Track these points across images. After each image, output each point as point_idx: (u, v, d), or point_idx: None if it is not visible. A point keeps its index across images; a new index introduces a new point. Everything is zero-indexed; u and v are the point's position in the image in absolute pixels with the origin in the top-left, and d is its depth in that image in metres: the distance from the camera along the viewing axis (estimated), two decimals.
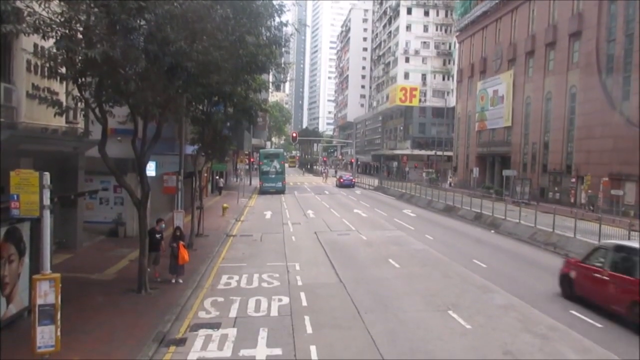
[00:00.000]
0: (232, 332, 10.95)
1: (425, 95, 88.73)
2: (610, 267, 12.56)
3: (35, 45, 12.54)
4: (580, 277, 13.66)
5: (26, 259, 10.72)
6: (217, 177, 46.14)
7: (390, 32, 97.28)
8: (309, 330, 11.26)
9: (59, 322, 7.97)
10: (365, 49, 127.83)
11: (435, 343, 10.58)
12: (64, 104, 13.07)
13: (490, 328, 11.55)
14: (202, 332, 10.97)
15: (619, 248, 12.79)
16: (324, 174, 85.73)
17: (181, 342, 10.47)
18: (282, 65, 19.54)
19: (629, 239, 17.26)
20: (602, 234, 19.40)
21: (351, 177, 67.04)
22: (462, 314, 12.36)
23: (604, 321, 12.08)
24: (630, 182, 33.82)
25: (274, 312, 12.47)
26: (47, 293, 7.87)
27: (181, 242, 14.94)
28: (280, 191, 50.14)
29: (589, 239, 20.08)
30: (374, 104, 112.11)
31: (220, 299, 13.47)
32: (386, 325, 11.60)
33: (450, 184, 63.20)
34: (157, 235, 15.00)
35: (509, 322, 11.97)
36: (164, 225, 15.47)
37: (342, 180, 64.07)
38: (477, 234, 26.32)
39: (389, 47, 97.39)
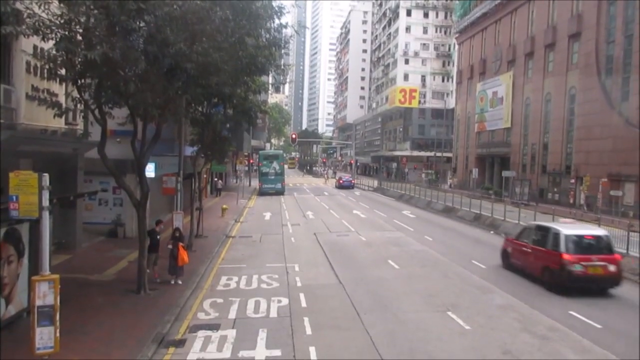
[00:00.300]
0: (231, 334, 10.95)
1: (424, 96, 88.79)
2: (531, 242, 16.48)
3: (35, 47, 12.58)
4: (513, 251, 17.66)
5: (25, 260, 10.72)
6: (216, 179, 46.13)
7: (389, 33, 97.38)
8: (308, 331, 11.26)
9: (58, 323, 7.98)
10: (364, 51, 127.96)
11: (435, 344, 10.58)
12: (64, 105, 13.08)
13: (489, 328, 11.56)
14: (202, 333, 10.98)
15: (538, 227, 16.85)
16: (325, 175, 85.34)
17: (180, 343, 10.48)
18: (282, 67, 19.54)
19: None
20: None
21: (350, 179, 67.01)
22: (461, 315, 12.37)
23: (604, 321, 12.11)
24: (630, 183, 33.85)
25: (273, 313, 12.47)
26: (46, 294, 7.87)
27: (180, 244, 14.94)
28: (280, 192, 50.19)
29: None
30: (374, 105, 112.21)
31: (220, 300, 13.47)
32: (385, 326, 11.61)
33: (450, 185, 63.17)
34: (158, 237, 15.04)
35: (508, 323, 11.98)
36: (162, 227, 15.49)
37: (341, 181, 64.07)
38: (476, 234, 26.33)
39: (389, 49, 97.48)
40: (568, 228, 15.63)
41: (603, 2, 38.20)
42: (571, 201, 38.02)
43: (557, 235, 15.06)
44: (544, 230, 16.09)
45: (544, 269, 15.34)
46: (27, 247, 10.75)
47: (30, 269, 10.55)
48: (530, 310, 12.99)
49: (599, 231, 16.20)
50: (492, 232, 26.72)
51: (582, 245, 14.81)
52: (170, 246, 14.84)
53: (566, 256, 14.44)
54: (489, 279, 16.22)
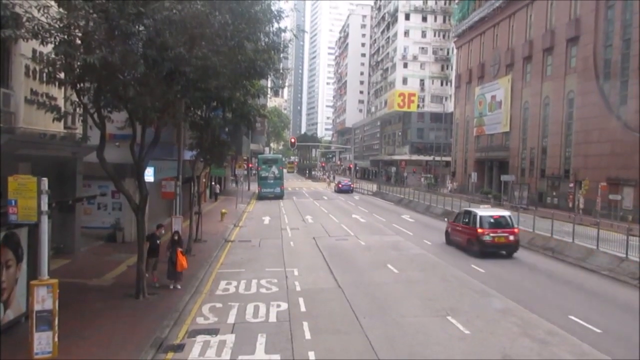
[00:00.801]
0: (230, 338, 10.92)
1: (423, 100, 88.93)
2: (462, 222, 22.30)
3: (34, 51, 12.58)
4: (452, 230, 23.56)
5: (24, 265, 10.69)
6: (213, 183, 46.00)
7: (388, 37, 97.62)
8: (308, 335, 11.23)
9: (56, 328, 7.97)
10: (363, 55, 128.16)
11: (434, 348, 10.56)
12: (63, 109, 13.08)
13: (488, 333, 11.53)
14: (200, 338, 10.94)
15: (466, 212, 22.72)
16: (327, 180, 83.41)
17: (179, 348, 10.44)
18: (281, 71, 19.54)
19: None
20: (600, 238, 19.47)
21: (350, 183, 67.01)
22: (460, 319, 12.35)
23: (603, 326, 12.10)
24: (628, 187, 33.86)
25: (273, 318, 12.44)
26: (44, 299, 7.86)
27: (179, 249, 14.87)
28: (279, 196, 50.13)
29: (587, 243, 20.13)
30: (373, 109, 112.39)
31: (219, 305, 13.43)
32: (385, 330, 11.58)
33: (450, 189, 63.00)
34: (158, 241, 14.98)
35: (508, 327, 11.96)
36: (163, 231, 15.45)
37: (340, 185, 64.09)
38: None
39: (387, 53, 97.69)
40: (483, 211, 22.18)
41: (601, 6, 38.33)
42: (570, 205, 38.03)
43: (475, 216, 21.19)
44: (468, 214, 22.09)
45: (467, 240, 21.36)
46: (26, 252, 10.73)
47: (28, 274, 10.52)
48: (530, 314, 12.96)
49: (504, 212, 22.26)
50: None
51: (491, 223, 20.80)
52: (169, 252, 14.80)
53: (480, 230, 20.56)
54: (488, 283, 16.21)
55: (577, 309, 13.52)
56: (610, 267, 18.08)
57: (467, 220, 21.83)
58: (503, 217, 21.25)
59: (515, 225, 21.28)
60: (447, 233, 24.14)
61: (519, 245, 20.99)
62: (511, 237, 20.60)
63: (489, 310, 13.36)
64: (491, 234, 20.44)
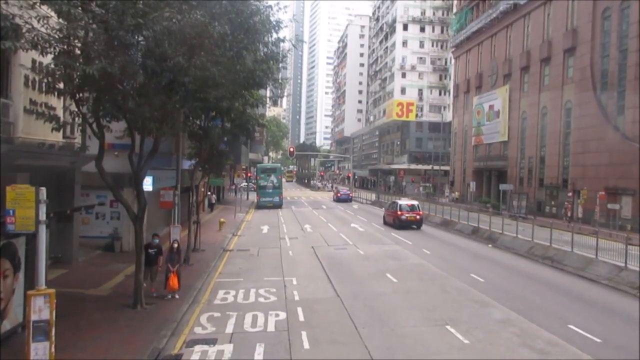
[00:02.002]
0: (228, 348, 10.86)
1: (422, 110, 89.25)
2: (391, 208, 35.75)
3: (34, 61, 12.61)
4: (386, 215, 36.82)
5: (21, 274, 10.65)
6: (210, 193, 45.76)
7: (386, 47, 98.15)
8: (306, 345, 11.17)
9: (53, 339, 7.91)
10: (362, 65, 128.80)
11: (433, 358, 10.50)
12: (62, 119, 13.09)
13: (488, 343, 11.49)
14: (198, 348, 10.89)
15: (393, 202, 38.16)
16: (334, 189, 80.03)
17: (177, 358, 10.39)
18: (280, 81, 19.64)
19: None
20: (599, 247, 19.47)
21: (348, 192, 67.00)
22: (460, 329, 12.30)
23: (603, 336, 12.06)
24: (627, 196, 33.90)
25: (271, 328, 12.39)
26: (41, 309, 7.81)
27: (174, 268, 14.64)
28: (278, 206, 50.08)
29: (586, 253, 20.12)
30: (371, 118, 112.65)
31: (217, 315, 13.38)
32: (384, 341, 11.53)
33: (451, 198, 62.76)
34: (151, 251, 14.85)
35: (507, 337, 11.91)
36: (157, 240, 15.34)
37: (339, 194, 64.06)
38: (474, 248, 26.28)
39: (386, 63, 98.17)
40: (403, 201, 36.53)
41: (597, 17, 38.61)
42: (568, 214, 38.04)
43: (397, 204, 35.00)
44: (394, 203, 36.29)
45: (393, 219, 34.15)
46: (23, 261, 10.68)
47: (26, 283, 10.47)
48: (529, 324, 12.92)
49: (414, 202, 36.15)
50: (490, 245, 26.68)
51: (406, 208, 34.02)
52: (167, 263, 14.74)
53: (399, 212, 33.68)
54: (487, 293, 16.17)
55: (576, 318, 13.48)
56: (609, 276, 18.07)
57: (394, 207, 34.95)
58: (414, 205, 34.78)
59: (421, 210, 34.35)
60: (384, 217, 37.21)
61: (422, 222, 33.96)
62: (417, 217, 33.61)
63: (489, 320, 13.31)
64: (406, 215, 33.34)
